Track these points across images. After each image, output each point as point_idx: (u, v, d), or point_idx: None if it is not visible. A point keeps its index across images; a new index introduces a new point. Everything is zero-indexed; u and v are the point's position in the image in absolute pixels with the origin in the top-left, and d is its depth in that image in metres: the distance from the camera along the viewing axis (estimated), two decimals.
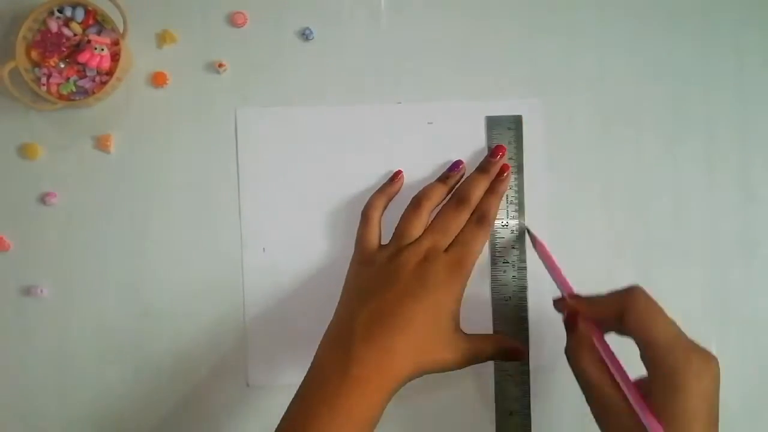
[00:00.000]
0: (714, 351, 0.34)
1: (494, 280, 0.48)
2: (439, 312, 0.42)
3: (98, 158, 0.48)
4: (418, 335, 0.41)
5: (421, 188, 0.47)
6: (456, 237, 0.45)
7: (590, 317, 0.39)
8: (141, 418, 0.47)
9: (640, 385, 0.36)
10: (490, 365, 0.48)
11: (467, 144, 0.49)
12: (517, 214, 0.49)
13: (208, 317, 0.48)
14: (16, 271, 0.47)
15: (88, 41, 0.45)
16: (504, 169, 0.47)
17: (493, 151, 0.48)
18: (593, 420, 0.37)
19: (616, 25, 0.50)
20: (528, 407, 0.47)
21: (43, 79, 0.46)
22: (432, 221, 0.46)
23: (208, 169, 0.48)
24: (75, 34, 0.46)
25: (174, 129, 0.48)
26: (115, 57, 0.46)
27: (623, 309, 0.37)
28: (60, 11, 0.46)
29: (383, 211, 0.48)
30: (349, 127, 0.48)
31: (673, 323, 0.36)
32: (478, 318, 0.48)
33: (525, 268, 0.48)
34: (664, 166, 0.50)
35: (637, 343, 0.36)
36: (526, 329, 0.48)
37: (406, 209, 0.47)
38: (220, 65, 0.48)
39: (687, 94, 0.50)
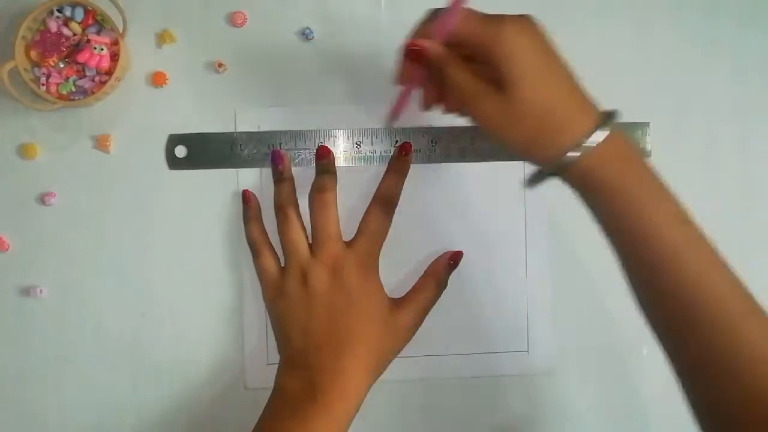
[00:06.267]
0: None
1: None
2: (370, 311, 0.42)
3: (98, 158, 0.48)
4: (362, 345, 0.41)
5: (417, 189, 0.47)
6: (360, 227, 0.45)
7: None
8: (139, 419, 0.47)
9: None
10: None
11: None
12: None
13: (207, 319, 0.48)
14: (15, 271, 0.47)
15: (88, 41, 0.45)
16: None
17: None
18: None
19: (617, 21, 0.50)
20: None
21: (43, 79, 0.45)
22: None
23: (209, 170, 0.48)
24: (74, 34, 0.46)
25: (174, 129, 0.48)
26: (114, 57, 0.46)
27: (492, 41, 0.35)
28: (59, 11, 0.46)
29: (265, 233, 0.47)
30: (349, 126, 0.48)
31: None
32: None
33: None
34: (665, 166, 0.49)
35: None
36: None
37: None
38: (220, 65, 0.48)
39: (688, 93, 0.50)
